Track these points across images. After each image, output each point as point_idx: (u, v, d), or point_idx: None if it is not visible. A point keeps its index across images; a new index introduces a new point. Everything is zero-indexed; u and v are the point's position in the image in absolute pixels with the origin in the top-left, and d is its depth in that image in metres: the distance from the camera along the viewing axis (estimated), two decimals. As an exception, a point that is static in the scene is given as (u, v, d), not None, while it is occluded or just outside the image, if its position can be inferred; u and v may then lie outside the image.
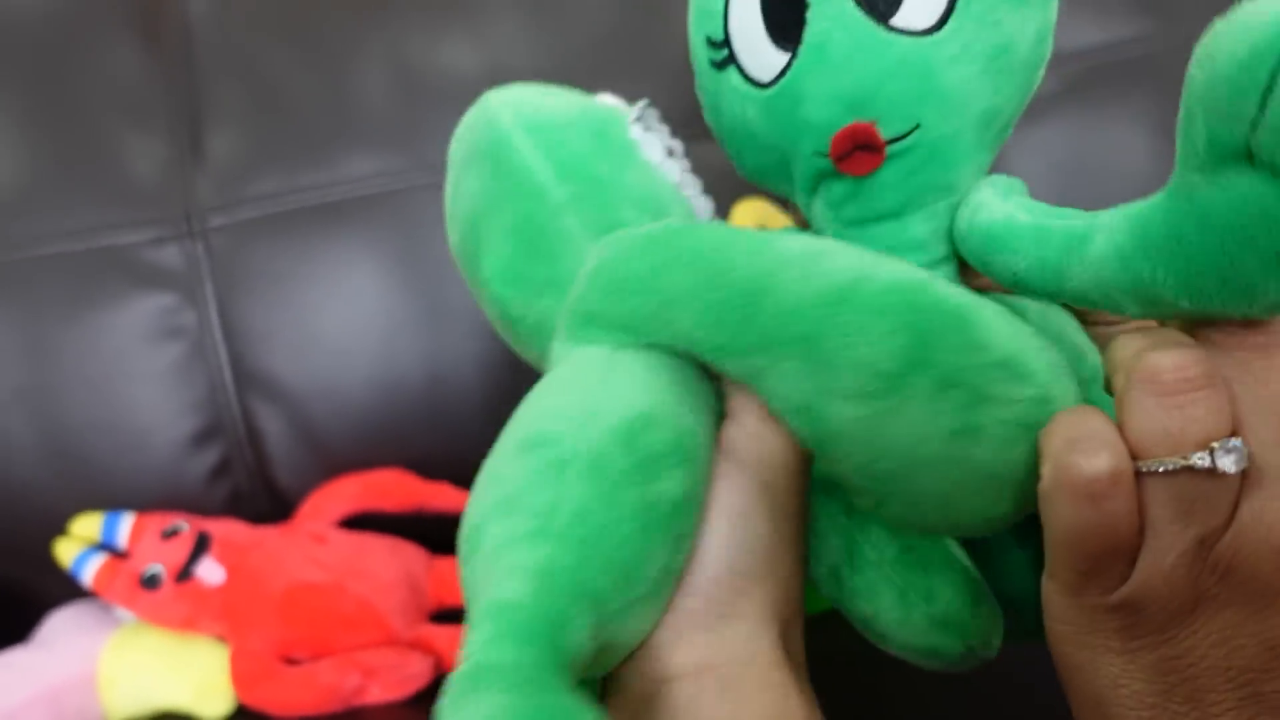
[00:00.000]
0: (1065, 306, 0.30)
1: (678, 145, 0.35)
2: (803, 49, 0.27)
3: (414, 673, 0.51)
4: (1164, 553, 0.23)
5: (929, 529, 0.29)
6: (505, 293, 0.32)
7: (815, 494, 0.31)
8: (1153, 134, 0.61)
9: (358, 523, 0.56)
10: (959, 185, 0.28)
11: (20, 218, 0.56)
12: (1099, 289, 0.25)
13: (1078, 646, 0.25)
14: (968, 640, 0.30)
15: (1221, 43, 0.21)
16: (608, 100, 0.35)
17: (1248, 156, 0.21)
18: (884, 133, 0.26)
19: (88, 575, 0.51)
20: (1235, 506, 0.22)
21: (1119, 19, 0.62)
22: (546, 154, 0.32)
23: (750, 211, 0.54)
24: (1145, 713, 0.24)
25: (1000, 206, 0.28)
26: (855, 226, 0.29)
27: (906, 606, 0.30)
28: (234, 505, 0.57)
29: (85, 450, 0.55)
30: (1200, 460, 0.22)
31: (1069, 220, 0.26)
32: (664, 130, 0.35)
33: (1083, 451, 0.23)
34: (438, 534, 0.51)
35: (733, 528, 0.27)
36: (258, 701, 0.49)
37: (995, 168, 0.57)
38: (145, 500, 0.55)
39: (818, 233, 0.30)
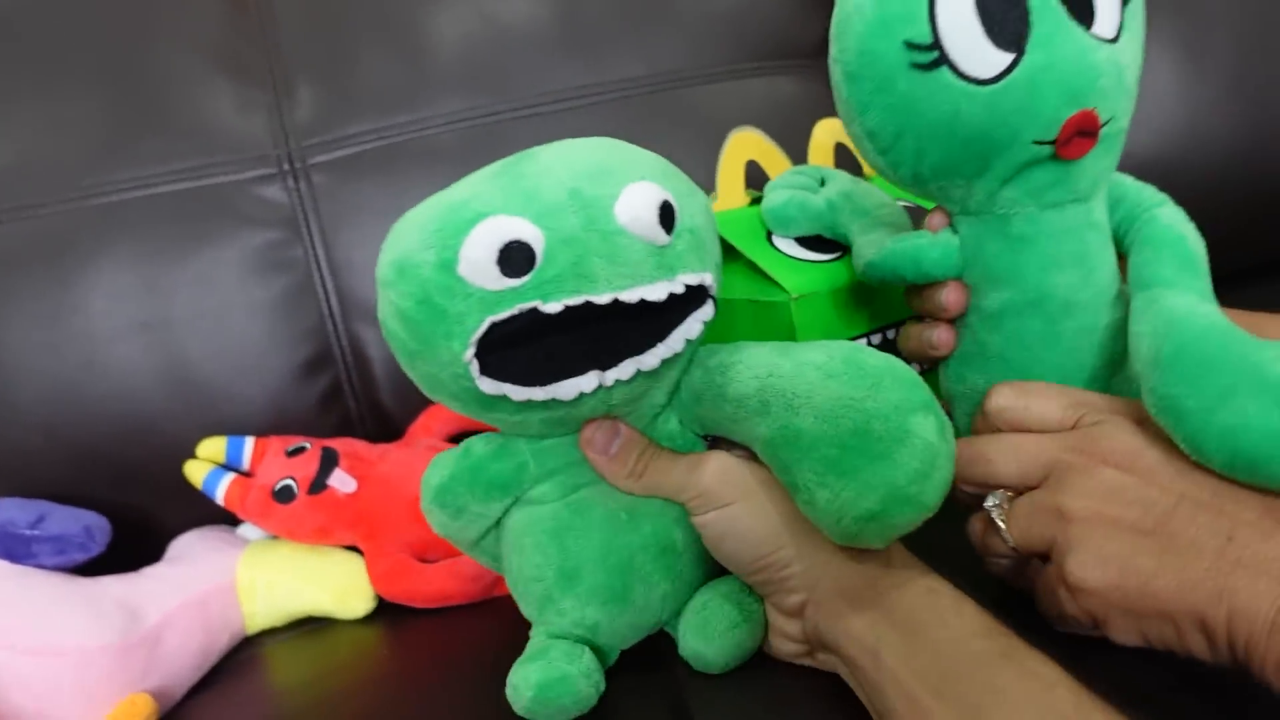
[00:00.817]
0: None
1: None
2: (1030, 50, 0.31)
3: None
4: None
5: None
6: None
7: None
8: (1174, 52, 0.66)
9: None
10: (1113, 172, 0.35)
11: (129, 163, 0.58)
12: None
13: None
14: None
15: None
16: None
17: None
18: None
19: (219, 492, 0.53)
20: None
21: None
22: None
23: (742, 144, 0.57)
24: None
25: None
26: (1054, 209, 0.34)
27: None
28: (343, 429, 0.60)
29: (202, 380, 0.57)
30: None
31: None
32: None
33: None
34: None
35: None
36: (401, 595, 0.52)
37: None
38: (260, 426, 0.57)
39: (1003, 217, 0.35)
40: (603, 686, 0.38)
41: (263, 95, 0.61)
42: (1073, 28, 0.31)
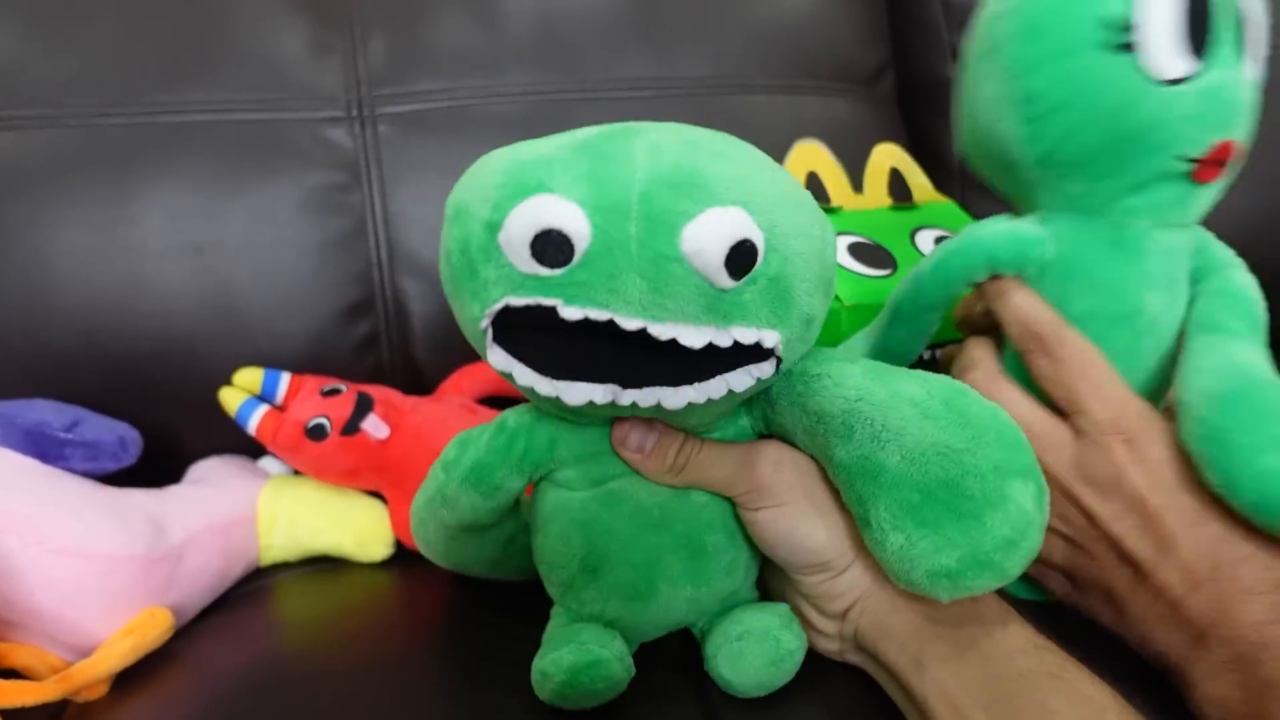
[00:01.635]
0: None
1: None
2: (1210, 66, 0.32)
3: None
4: None
5: None
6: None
7: None
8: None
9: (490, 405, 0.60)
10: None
11: (199, 86, 0.59)
12: None
13: None
14: None
15: None
16: None
17: None
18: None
19: (252, 422, 0.54)
20: None
21: None
22: None
23: (805, 155, 0.59)
24: None
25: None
26: (1166, 229, 0.35)
27: None
28: (375, 378, 0.61)
29: (244, 310, 0.57)
30: None
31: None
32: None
33: None
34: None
35: None
36: (424, 545, 0.53)
37: None
38: (294, 364, 0.58)
39: (1118, 224, 0.35)
40: (634, 671, 0.37)
41: (339, 39, 0.62)
42: (1239, 60, 0.32)
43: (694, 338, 0.28)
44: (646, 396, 0.29)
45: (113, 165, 0.56)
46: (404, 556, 0.54)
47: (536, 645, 0.38)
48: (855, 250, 0.52)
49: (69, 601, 0.44)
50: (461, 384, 0.60)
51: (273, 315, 0.58)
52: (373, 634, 0.49)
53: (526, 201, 0.28)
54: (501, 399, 0.60)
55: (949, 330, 0.46)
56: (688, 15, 0.67)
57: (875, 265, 0.52)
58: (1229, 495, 0.31)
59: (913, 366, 0.36)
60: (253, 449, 0.58)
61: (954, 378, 0.34)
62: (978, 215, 0.46)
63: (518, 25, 0.64)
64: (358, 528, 0.54)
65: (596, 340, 0.29)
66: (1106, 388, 0.36)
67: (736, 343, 0.29)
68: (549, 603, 0.41)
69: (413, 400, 0.57)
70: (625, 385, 0.29)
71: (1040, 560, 0.36)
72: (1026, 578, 0.34)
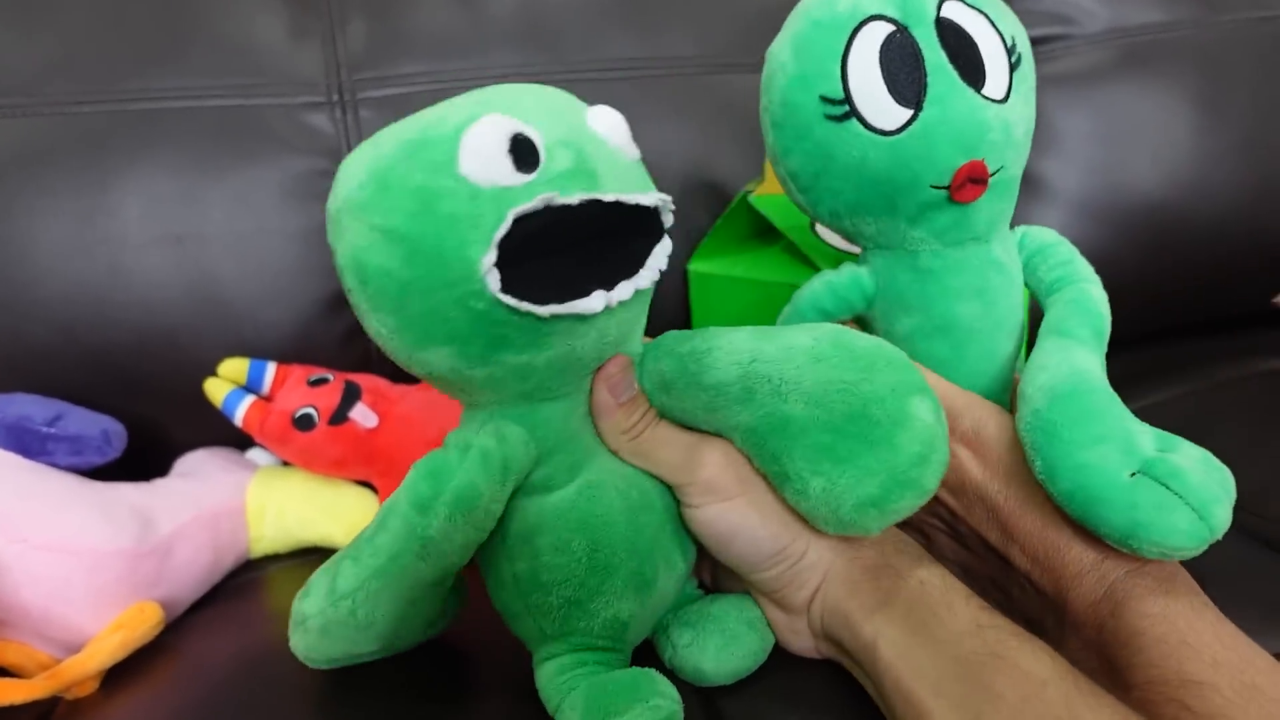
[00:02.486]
0: None
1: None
2: (927, 106, 0.35)
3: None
4: None
5: None
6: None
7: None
8: (1194, 105, 0.69)
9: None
10: (1010, 217, 0.39)
11: (175, 72, 0.57)
12: None
13: None
14: None
15: None
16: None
17: None
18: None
19: (239, 413, 0.53)
20: None
21: (1178, 2, 0.71)
22: None
23: None
24: None
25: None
26: (956, 247, 0.38)
27: None
28: (364, 365, 0.60)
29: (228, 299, 0.57)
30: None
31: None
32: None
33: None
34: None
35: None
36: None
37: (1057, 126, 0.68)
38: (280, 353, 0.57)
39: (909, 252, 0.38)
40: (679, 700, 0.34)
41: (317, 23, 0.61)
42: (963, 88, 0.35)
43: (649, 199, 0.31)
44: (624, 289, 0.31)
45: (88, 154, 0.55)
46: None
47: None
48: None
49: (56, 598, 0.44)
50: (450, 371, 0.60)
51: (257, 304, 0.57)
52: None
53: (479, 124, 0.29)
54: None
55: None
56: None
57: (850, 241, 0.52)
58: (1048, 483, 0.34)
59: None
60: (240, 440, 0.58)
61: None
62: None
63: (499, 6, 0.63)
64: (348, 517, 0.53)
65: (575, 252, 0.30)
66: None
67: (661, 201, 0.32)
68: None
69: (401, 388, 0.57)
70: (608, 288, 0.30)
71: (941, 558, 0.38)
72: None
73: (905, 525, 0.36)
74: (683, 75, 0.66)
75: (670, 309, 0.63)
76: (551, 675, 0.35)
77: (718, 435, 0.36)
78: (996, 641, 0.31)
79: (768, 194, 0.56)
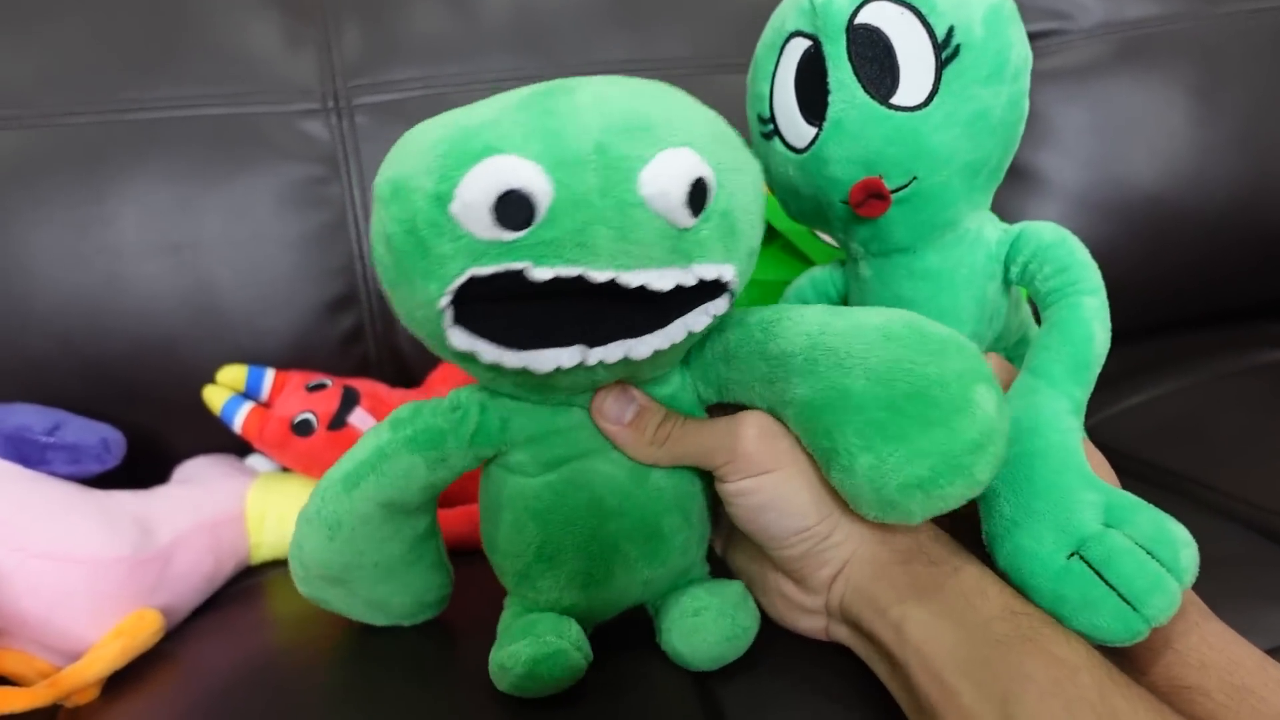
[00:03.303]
0: None
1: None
2: (826, 124, 0.35)
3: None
4: None
5: None
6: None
7: None
8: (1191, 97, 0.69)
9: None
10: (957, 221, 0.37)
11: (170, 82, 0.58)
12: None
13: None
14: None
15: None
16: None
17: None
18: (889, 184, 0.35)
19: (238, 420, 0.53)
20: None
21: (1174, -4, 0.71)
22: None
23: None
24: None
25: None
26: (880, 258, 0.38)
27: None
28: (361, 371, 0.60)
29: (226, 307, 0.57)
30: None
31: None
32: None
33: None
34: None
35: None
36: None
37: (1054, 120, 0.67)
38: (278, 359, 0.57)
39: (854, 260, 0.39)
40: (592, 657, 0.36)
41: (312, 31, 0.61)
42: (865, 102, 0.34)
43: (662, 280, 0.28)
44: (613, 351, 0.29)
45: (84, 165, 0.55)
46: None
47: None
48: None
49: (56, 606, 0.44)
50: (448, 375, 0.60)
51: (255, 311, 0.57)
52: (365, 630, 0.49)
53: (481, 165, 0.27)
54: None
55: None
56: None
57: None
58: (990, 551, 0.34)
59: None
60: (239, 447, 0.58)
61: None
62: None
63: (493, 11, 0.63)
64: (348, 522, 0.53)
65: (557, 302, 0.28)
66: None
67: (701, 280, 0.29)
68: None
69: (400, 392, 0.57)
70: (591, 344, 0.29)
71: None
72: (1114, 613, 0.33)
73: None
74: (676, 76, 0.65)
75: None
76: (504, 618, 0.38)
77: (761, 410, 0.36)
78: (1029, 627, 0.31)
79: (764, 195, 0.56)
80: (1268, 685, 0.29)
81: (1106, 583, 0.31)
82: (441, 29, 0.62)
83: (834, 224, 0.38)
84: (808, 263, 0.55)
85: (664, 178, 0.27)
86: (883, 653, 0.34)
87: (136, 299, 0.55)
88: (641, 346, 0.30)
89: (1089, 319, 0.34)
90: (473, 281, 0.28)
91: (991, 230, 0.37)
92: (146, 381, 0.56)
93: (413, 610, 0.42)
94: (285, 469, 0.57)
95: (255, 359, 0.57)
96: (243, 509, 0.53)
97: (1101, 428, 0.61)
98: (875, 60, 0.34)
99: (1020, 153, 0.39)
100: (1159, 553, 0.31)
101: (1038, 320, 0.38)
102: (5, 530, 0.43)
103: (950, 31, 0.33)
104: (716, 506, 0.38)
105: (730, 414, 0.36)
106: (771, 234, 0.59)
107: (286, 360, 0.57)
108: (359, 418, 0.53)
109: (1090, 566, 0.31)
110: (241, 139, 0.58)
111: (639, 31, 0.66)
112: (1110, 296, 0.36)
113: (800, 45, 0.35)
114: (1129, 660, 0.31)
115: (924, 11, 0.33)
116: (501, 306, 0.28)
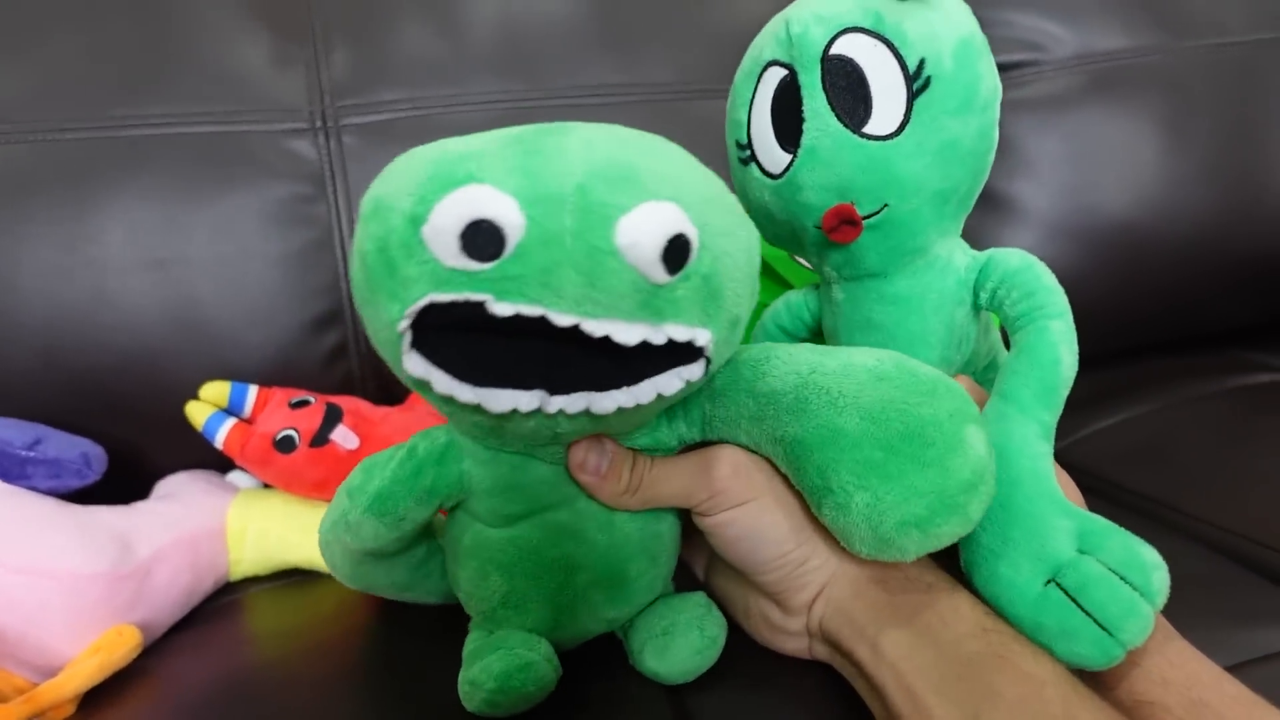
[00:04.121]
0: None
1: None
2: (801, 151, 0.35)
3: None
4: None
5: None
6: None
7: None
8: (1160, 128, 0.71)
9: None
10: (927, 248, 0.38)
11: (159, 99, 0.58)
12: None
13: None
14: None
15: None
16: None
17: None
18: (861, 210, 0.36)
19: (220, 436, 0.53)
20: None
21: (1142, 30, 0.73)
22: None
23: None
24: None
25: None
26: (852, 282, 0.39)
27: None
28: (345, 388, 0.60)
29: (210, 323, 0.57)
30: None
31: None
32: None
33: None
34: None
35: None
36: (396, 555, 0.52)
37: (1028, 149, 0.68)
38: (262, 376, 0.57)
39: (828, 284, 0.40)
40: (561, 671, 0.36)
41: (300, 51, 0.62)
42: (838, 130, 0.35)
43: (628, 334, 0.27)
44: (575, 402, 0.28)
45: (71, 181, 0.55)
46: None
47: None
48: None
49: (33, 622, 0.44)
50: (431, 392, 0.60)
51: (239, 328, 0.58)
52: (345, 646, 0.49)
53: (456, 192, 0.26)
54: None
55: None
56: (649, 21, 0.68)
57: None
58: (967, 578, 0.35)
59: None
60: (221, 463, 0.58)
61: None
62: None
63: (480, 34, 0.64)
64: (329, 539, 0.53)
65: (522, 342, 0.27)
66: None
67: (671, 341, 0.28)
68: None
69: (382, 410, 0.57)
70: (552, 391, 0.28)
71: None
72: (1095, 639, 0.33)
73: None
74: (660, 101, 0.67)
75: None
76: (469, 641, 0.39)
77: (733, 445, 0.36)
78: (1000, 644, 0.32)
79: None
80: (1224, 700, 0.30)
81: (1083, 609, 0.31)
82: (429, 51, 0.63)
83: (808, 248, 0.39)
84: (787, 286, 0.56)
85: (640, 229, 0.27)
86: (861, 671, 0.34)
87: (121, 314, 0.55)
88: (606, 400, 0.29)
89: (1056, 343, 0.35)
90: (432, 307, 0.27)
91: (961, 257, 0.38)
92: (129, 396, 0.56)
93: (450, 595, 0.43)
94: (267, 485, 0.57)
95: (239, 375, 0.57)
96: (223, 525, 0.53)
97: (1070, 450, 0.62)
98: (849, 90, 0.35)
99: (994, 181, 0.40)
100: (1131, 576, 0.31)
101: (1007, 345, 0.38)
102: (-16, 545, 0.43)
103: (921, 64, 0.34)
104: (694, 534, 0.39)
105: (699, 449, 0.36)
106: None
107: (270, 377, 0.58)
108: (341, 435, 0.54)
109: (1066, 594, 0.32)
110: (229, 157, 0.58)
111: (625, 55, 0.67)
112: (1081, 321, 0.37)
113: (777, 74, 0.36)
114: (1095, 676, 0.32)
115: (896, 44, 0.34)
116: (463, 338, 0.27)
